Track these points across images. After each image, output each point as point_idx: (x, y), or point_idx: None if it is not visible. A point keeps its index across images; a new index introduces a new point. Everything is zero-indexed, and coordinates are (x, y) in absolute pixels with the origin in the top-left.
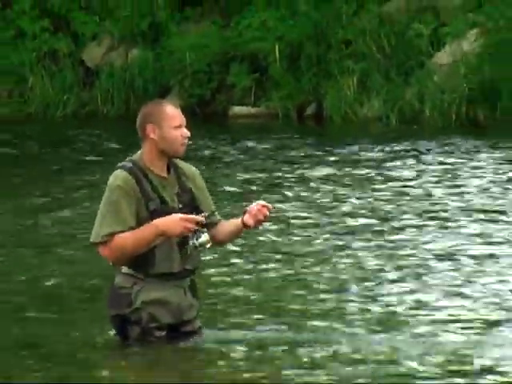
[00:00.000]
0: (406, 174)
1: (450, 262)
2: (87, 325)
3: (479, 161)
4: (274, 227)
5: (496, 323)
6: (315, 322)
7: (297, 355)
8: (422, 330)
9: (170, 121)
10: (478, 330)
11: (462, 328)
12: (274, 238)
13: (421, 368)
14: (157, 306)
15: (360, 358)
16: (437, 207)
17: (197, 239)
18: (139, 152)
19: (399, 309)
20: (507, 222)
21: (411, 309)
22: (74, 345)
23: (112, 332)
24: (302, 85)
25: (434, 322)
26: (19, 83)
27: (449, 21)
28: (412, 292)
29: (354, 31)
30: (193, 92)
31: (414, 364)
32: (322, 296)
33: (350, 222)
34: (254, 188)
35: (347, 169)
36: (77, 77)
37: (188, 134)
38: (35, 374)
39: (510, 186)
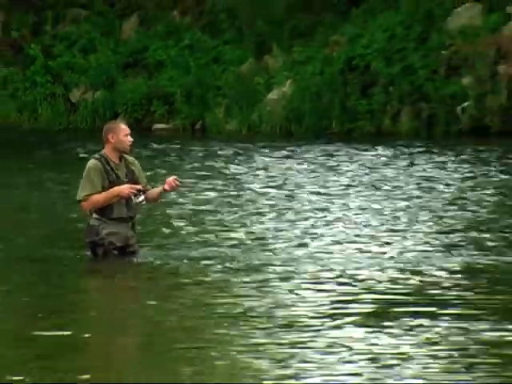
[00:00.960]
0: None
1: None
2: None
3: (288, 156)
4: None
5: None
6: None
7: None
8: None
9: (123, 131)
10: None
11: None
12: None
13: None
14: (113, 236)
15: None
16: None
17: (137, 198)
18: (103, 149)
19: None
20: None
21: None
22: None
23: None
24: (193, 111)
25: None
26: (34, 112)
27: (275, 75)
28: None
29: (222, 81)
30: (131, 115)
31: None
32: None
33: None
34: (165, 170)
35: (212, 162)
36: (66, 108)
37: (131, 139)
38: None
39: (288, 172)
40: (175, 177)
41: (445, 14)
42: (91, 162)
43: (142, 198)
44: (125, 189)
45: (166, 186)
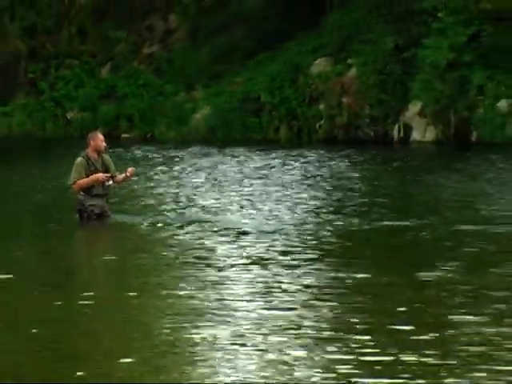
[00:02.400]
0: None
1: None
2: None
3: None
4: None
5: None
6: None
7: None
8: None
9: (99, 138)
10: None
11: None
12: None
13: None
14: (93, 206)
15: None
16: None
17: (109, 182)
18: (87, 150)
19: None
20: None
21: None
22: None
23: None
24: (146, 126)
25: None
26: (43, 125)
27: (198, 103)
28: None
29: (165, 107)
30: (106, 128)
31: None
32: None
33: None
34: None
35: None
36: (64, 123)
37: (105, 144)
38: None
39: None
40: (133, 168)
41: (308, 65)
42: (78, 159)
43: (111, 182)
44: (99, 176)
45: (127, 173)
